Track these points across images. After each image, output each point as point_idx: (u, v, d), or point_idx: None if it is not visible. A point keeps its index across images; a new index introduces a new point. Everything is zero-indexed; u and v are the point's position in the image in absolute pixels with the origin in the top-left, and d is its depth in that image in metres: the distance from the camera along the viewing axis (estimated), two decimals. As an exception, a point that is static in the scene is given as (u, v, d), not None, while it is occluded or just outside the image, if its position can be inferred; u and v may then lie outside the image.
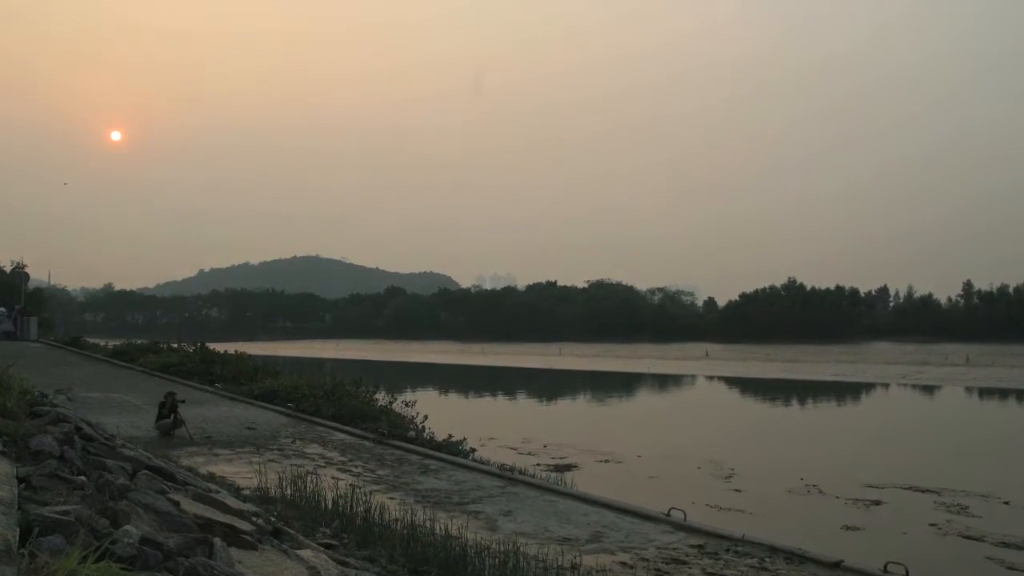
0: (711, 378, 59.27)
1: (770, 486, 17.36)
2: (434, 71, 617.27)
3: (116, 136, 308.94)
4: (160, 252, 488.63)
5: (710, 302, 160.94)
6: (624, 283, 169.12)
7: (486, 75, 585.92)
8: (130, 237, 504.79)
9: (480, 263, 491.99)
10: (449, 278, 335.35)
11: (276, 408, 19.40)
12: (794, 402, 42.34)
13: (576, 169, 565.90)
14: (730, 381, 55.30)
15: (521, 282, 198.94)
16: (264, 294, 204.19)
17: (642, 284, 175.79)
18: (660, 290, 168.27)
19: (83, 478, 5.10)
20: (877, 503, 15.80)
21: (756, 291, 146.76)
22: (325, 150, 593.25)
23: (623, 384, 55.03)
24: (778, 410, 38.36)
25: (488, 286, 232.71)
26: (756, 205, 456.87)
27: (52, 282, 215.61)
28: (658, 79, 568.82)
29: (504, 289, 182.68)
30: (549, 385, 56.36)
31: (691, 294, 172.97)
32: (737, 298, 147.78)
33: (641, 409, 38.87)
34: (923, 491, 16.80)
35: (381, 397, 19.88)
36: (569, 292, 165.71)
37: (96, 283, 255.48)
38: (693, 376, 60.52)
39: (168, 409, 15.52)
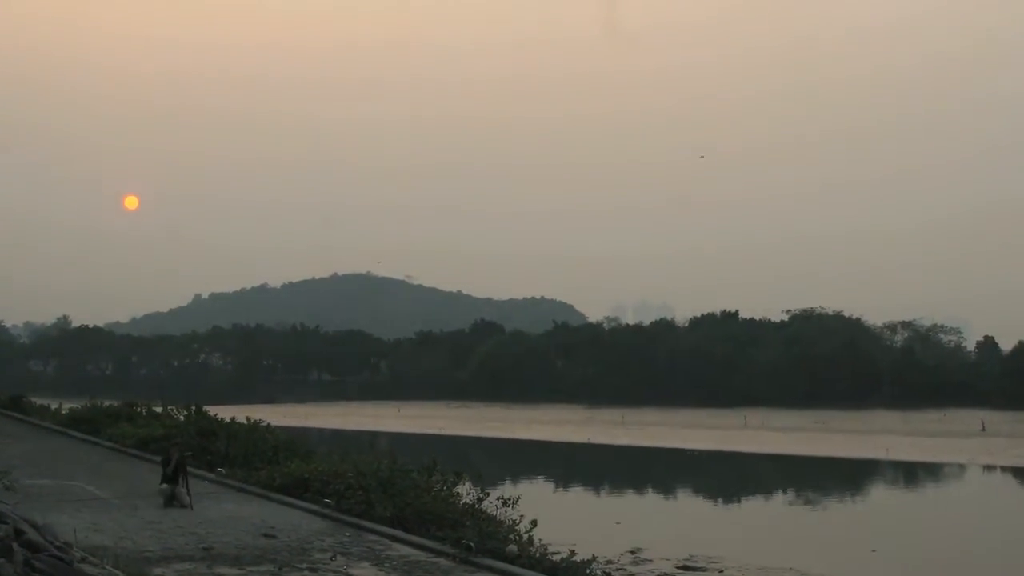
0: (990, 468, 57.36)
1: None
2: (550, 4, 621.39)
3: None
4: (138, 270, 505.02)
5: (987, 344, 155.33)
6: (846, 314, 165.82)
7: (623, 14, 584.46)
8: (94, 247, 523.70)
9: (618, 285, 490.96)
10: (571, 307, 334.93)
11: (307, 506, 19.73)
12: None
13: (761, 137, 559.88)
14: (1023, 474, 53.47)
15: (682, 314, 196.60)
16: (289, 332, 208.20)
17: (875, 316, 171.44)
18: (905, 325, 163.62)
19: (25, 607, 5.31)
20: None
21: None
22: (381, 117, 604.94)
23: (846, 475, 53.73)
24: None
25: (630, 320, 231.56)
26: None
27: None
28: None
29: (656, 324, 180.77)
30: (726, 475, 55.53)
31: (957, 331, 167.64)
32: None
33: (875, 516, 37.89)
34: None
35: (465, 491, 19.96)
36: (759, 329, 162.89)
37: (46, 316, 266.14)
38: (960, 465, 58.72)
39: (173, 468, 16.88)
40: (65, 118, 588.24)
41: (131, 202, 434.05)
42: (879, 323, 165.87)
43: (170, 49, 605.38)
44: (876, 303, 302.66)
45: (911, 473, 55.38)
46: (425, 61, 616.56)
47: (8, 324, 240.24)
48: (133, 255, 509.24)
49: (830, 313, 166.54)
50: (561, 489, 47.61)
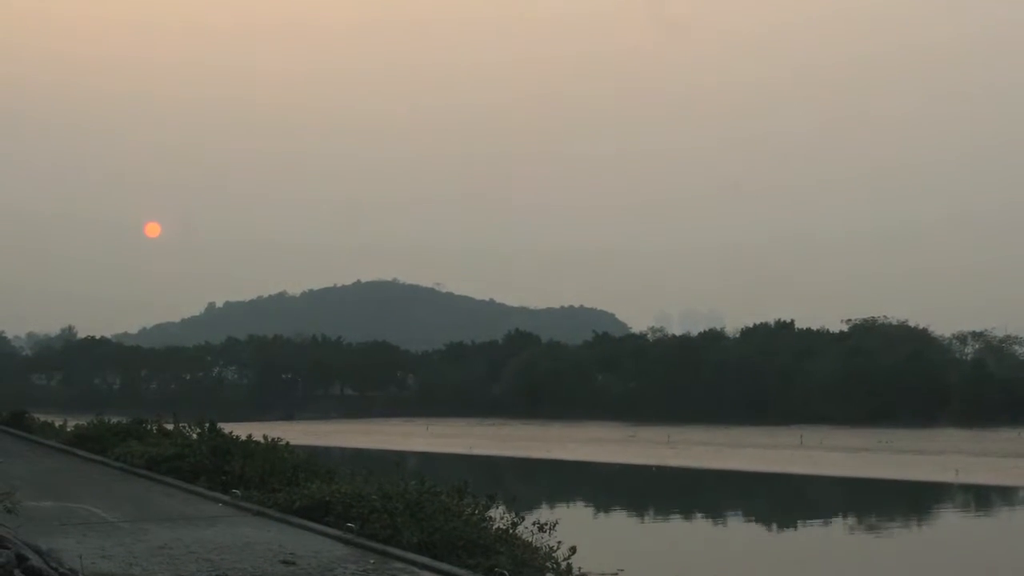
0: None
1: None
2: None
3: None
4: (147, 277, 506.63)
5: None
6: (911, 324, 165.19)
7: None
8: (100, 254, 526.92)
9: (663, 292, 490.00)
10: (612, 316, 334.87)
11: (328, 531, 19.74)
12: None
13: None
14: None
15: (733, 323, 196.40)
16: (309, 344, 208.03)
17: (942, 326, 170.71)
18: (976, 336, 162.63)
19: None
20: None
21: None
22: (404, 114, 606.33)
23: (911, 500, 53.40)
24: None
25: (676, 330, 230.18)
26: None
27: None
28: None
29: (704, 335, 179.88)
30: (781, 499, 55.31)
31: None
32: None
33: (943, 545, 37.67)
34: None
35: (498, 515, 19.94)
36: (817, 340, 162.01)
37: (50, 327, 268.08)
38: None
39: None
40: (71, 120, 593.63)
41: (152, 229, 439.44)
42: (947, 333, 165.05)
43: (180, 41, 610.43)
44: (944, 312, 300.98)
45: (983, 497, 54.96)
46: (452, 49, 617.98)
47: (10, 335, 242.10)
48: (142, 261, 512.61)
49: (894, 323, 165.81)
50: (602, 513, 47.61)
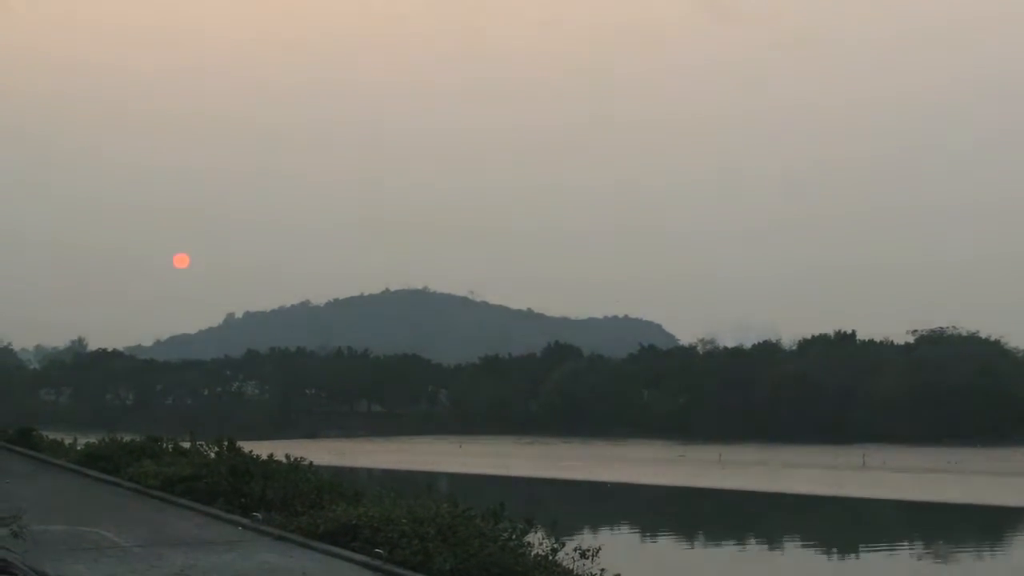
0: None
1: None
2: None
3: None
4: (162, 286, 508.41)
5: None
6: (983, 335, 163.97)
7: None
8: (113, 262, 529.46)
9: (714, 302, 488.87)
10: (659, 327, 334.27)
11: (355, 556, 19.73)
12: None
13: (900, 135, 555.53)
14: None
15: (789, 335, 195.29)
16: (334, 357, 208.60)
17: (1017, 338, 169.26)
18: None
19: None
20: None
21: None
22: (429, 116, 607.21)
23: (984, 526, 53.03)
24: None
25: (728, 342, 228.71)
26: None
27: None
28: None
29: (758, 347, 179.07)
30: (843, 524, 55.02)
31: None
32: None
33: None
34: None
35: (537, 541, 19.89)
36: (880, 353, 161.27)
37: (58, 339, 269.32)
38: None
39: None
40: (83, 126, 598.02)
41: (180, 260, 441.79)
42: (1022, 346, 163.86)
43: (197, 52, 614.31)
44: (1017, 322, 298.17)
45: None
46: (464, 63, 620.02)
47: (16, 347, 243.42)
48: (157, 266, 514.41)
49: (963, 334, 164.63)
50: (649, 539, 47.49)
